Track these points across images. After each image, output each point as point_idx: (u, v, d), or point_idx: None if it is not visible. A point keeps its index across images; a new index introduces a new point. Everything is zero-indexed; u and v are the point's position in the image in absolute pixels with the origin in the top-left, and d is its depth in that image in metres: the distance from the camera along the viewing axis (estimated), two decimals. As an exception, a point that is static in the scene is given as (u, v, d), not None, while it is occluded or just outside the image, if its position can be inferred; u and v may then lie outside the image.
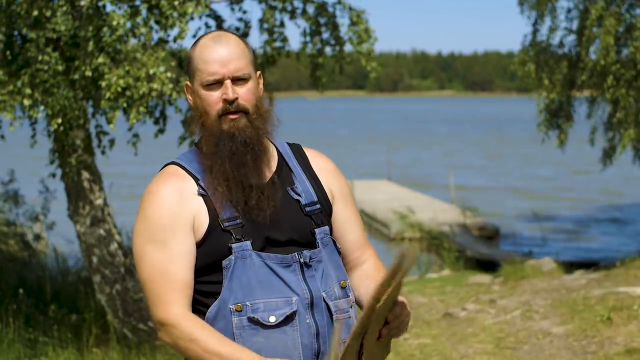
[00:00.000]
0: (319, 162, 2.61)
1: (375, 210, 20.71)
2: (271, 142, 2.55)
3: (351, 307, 2.50)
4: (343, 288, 2.49)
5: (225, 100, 2.43)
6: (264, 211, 2.40)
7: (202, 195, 2.42)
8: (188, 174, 2.46)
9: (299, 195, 2.50)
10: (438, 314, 9.17)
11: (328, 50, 9.21)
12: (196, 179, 2.45)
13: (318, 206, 2.51)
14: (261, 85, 2.53)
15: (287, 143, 2.62)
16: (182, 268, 2.37)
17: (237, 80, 2.44)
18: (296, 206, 2.48)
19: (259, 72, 2.53)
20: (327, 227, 2.51)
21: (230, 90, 2.42)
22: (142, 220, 2.42)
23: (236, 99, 2.43)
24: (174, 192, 2.42)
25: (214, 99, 2.43)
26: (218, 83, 2.43)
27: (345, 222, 2.60)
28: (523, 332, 7.92)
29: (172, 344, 2.38)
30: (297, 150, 2.61)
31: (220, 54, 2.43)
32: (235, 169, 2.41)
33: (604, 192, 27.78)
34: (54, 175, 8.70)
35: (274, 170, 2.50)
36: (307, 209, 2.49)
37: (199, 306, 2.41)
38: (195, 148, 2.52)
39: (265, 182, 2.44)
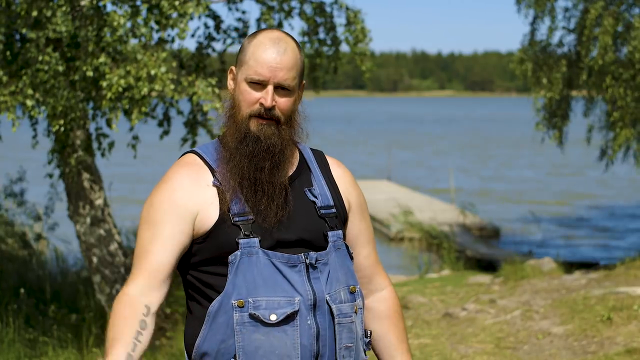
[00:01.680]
0: (339, 171, 2.61)
1: (375, 210, 20.70)
2: (295, 145, 2.55)
3: (355, 312, 2.49)
4: (352, 293, 2.49)
5: (262, 104, 2.43)
6: (271, 218, 2.41)
7: (216, 186, 2.43)
8: (205, 164, 2.47)
9: (315, 197, 2.50)
10: (438, 314, 9.16)
11: (325, 50, 9.23)
12: (213, 170, 2.45)
13: (334, 210, 2.51)
14: (302, 95, 2.54)
15: (310, 148, 2.62)
16: (162, 250, 2.39)
17: (280, 88, 2.44)
18: (312, 207, 2.48)
19: (303, 82, 2.53)
20: (340, 232, 2.50)
21: (270, 97, 2.42)
22: (148, 204, 2.46)
23: (273, 107, 2.43)
24: (185, 182, 2.43)
25: (253, 98, 2.44)
26: (262, 84, 2.43)
27: (359, 235, 2.60)
28: (523, 332, 7.92)
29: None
30: (319, 156, 2.62)
31: (274, 59, 2.42)
32: (252, 170, 2.42)
33: (603, 191, 27.78)
34: (51, 175, 8.71)
35: (293, 171, 2.50)
36: (322, 211, 2.49)
37: (203, 298, 2.42)
38: (218, 140, 2.53)
39: (278, 190, 2.43)
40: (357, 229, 2.60)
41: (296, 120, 2.51)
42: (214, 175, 2.44)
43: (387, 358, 2.64)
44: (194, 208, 2.41)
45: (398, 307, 2.67)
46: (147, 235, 2.41)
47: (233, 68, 2.51)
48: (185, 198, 2.41)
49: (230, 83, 2.52)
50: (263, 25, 8.84)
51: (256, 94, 2.44)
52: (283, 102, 2.45)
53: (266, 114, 2.43)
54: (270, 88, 2.42)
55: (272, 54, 2.43)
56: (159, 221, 2.40)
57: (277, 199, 2.42)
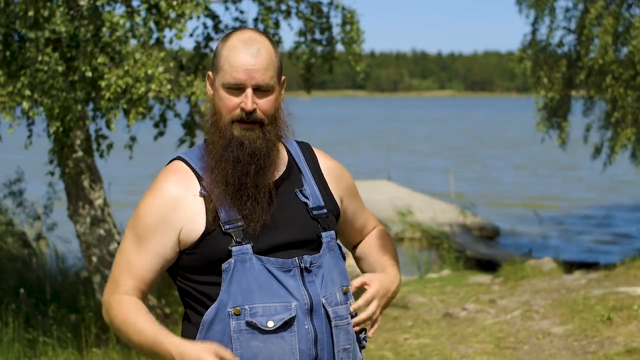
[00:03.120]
0: (327, 164, 2.60)
1: (375, 210, 20.68)
2: (281, 142, 2.53)
3: (350, 314, 2.48)
4: (345, 294, 2.48)
5: (242, 109, 2.40)
6: (255, 222, 2.38)
7: (203, 196, 2.40)
8: (193, 172, 2.44)
9: (307, 198, 2.48)
10: (438, 314, 9.16)
11: (319, 50, 9.23)
12: (199, 178, 2.43)
13: (325, 211, 2.50)
14: (283, 91, 2.50)
15: (296, 141, 2.60)
16: (146, 266, 2.40)
17: (259, 89, 2.41)
18: (304, 209, 2.47)
19: (283, 78, 2.49)
20: (333, 232, 2.49)
21: (250, 101, 2.39)
22: (136, 212, 2.45)
23: (255, 110, 2.40)
24: (173, 192, 2.41)
25: (233, 104, 2.40)
26: (239, 89, 2.40)
27: (355, 212, 2.67)
28: (523, 332, 7.91)
29: (109, 324, 2.42)
30: (306, 149, 2.60)
31: (248, 62, 2.38)
32: (237, 177, 2.39)
33: (602, 191, 27.77)
34: (52, 173, 8.70)
35: (281, 173, 2.48)
36: (315, 212, 2.47)
37: (198, 306, 2.41)
38: (204, 145, 2.50)
39: (262, 192, 2.41)
40: (352, 209, 2.66)
41: (280, 119, 2.47)
42: (200, 184, 2.42)
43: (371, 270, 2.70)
44: (180, 220, 2.39)
45: (383, 234, 2.75)
46: (131, 248, 2.41)
47: (210, 74, 2.48)
48: (172, 210, 2.39)
49: (209, 89, 2.48)
50: (261, 25, 8.83)
51: (235, 99, 2.40)
52: (264, 102, 2.41)
53: (248, 118, 2.40)
54: (249, 91, 2.39)
55: (246, 56, 2.38)
56: (144, 235, 2.40)
57: (261, 201, 2.39)
